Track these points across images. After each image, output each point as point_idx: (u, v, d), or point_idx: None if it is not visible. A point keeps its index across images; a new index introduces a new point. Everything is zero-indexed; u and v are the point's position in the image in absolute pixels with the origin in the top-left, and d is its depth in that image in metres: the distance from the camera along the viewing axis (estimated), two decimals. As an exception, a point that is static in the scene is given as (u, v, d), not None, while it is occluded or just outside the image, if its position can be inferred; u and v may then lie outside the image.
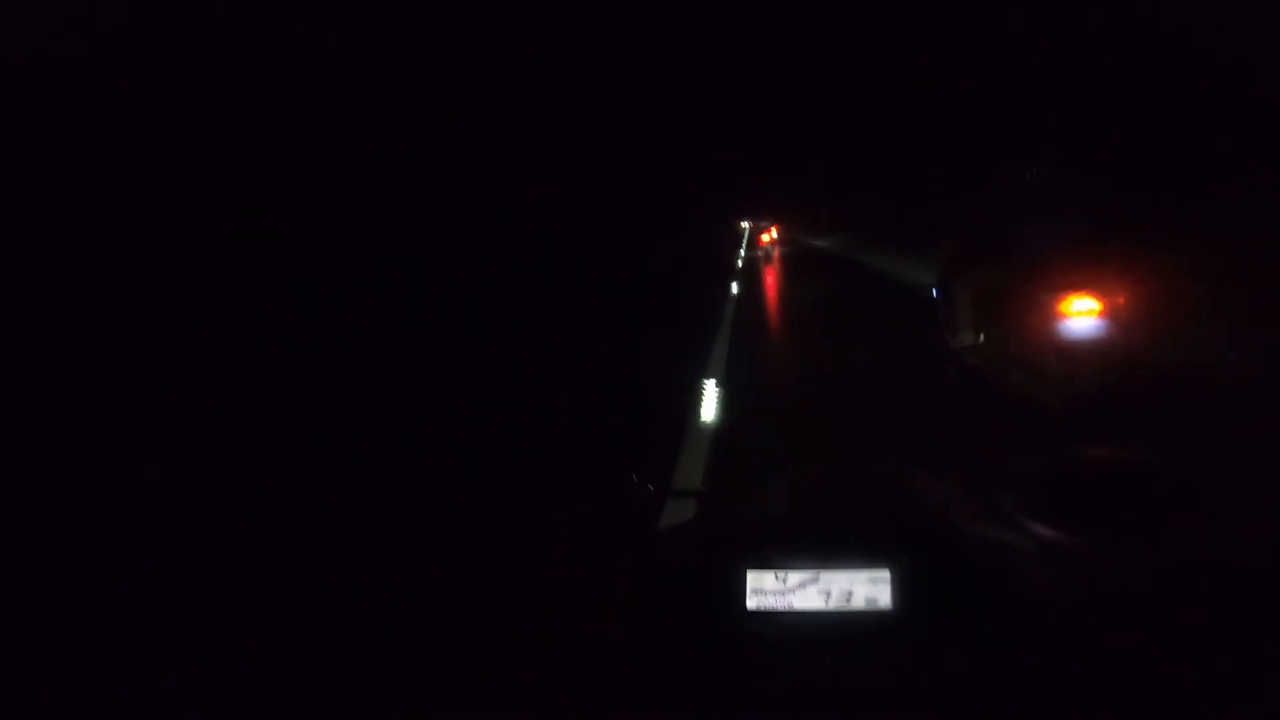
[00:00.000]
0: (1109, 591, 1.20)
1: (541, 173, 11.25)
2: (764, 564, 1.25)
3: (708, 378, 6.85)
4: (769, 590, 1.24)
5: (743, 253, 27.42)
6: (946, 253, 6.50)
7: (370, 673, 1.63)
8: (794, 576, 1.24)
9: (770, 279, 19.21)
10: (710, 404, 5.88)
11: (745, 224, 35.59)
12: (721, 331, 9.81)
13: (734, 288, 15.41)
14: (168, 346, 4.55)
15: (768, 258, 25.03)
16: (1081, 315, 4.52)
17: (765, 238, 27.78)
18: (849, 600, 1.22)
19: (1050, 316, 4.63)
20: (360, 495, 3.55)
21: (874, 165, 19.05)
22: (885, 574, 1.21)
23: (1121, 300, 4.54)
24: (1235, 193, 5.30)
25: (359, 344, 5.66)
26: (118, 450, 3.67)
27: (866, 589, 1.22)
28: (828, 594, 1.23)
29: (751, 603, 1.24)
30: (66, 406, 3.71)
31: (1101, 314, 4.50)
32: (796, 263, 22.82)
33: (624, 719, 1.22)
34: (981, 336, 5.31)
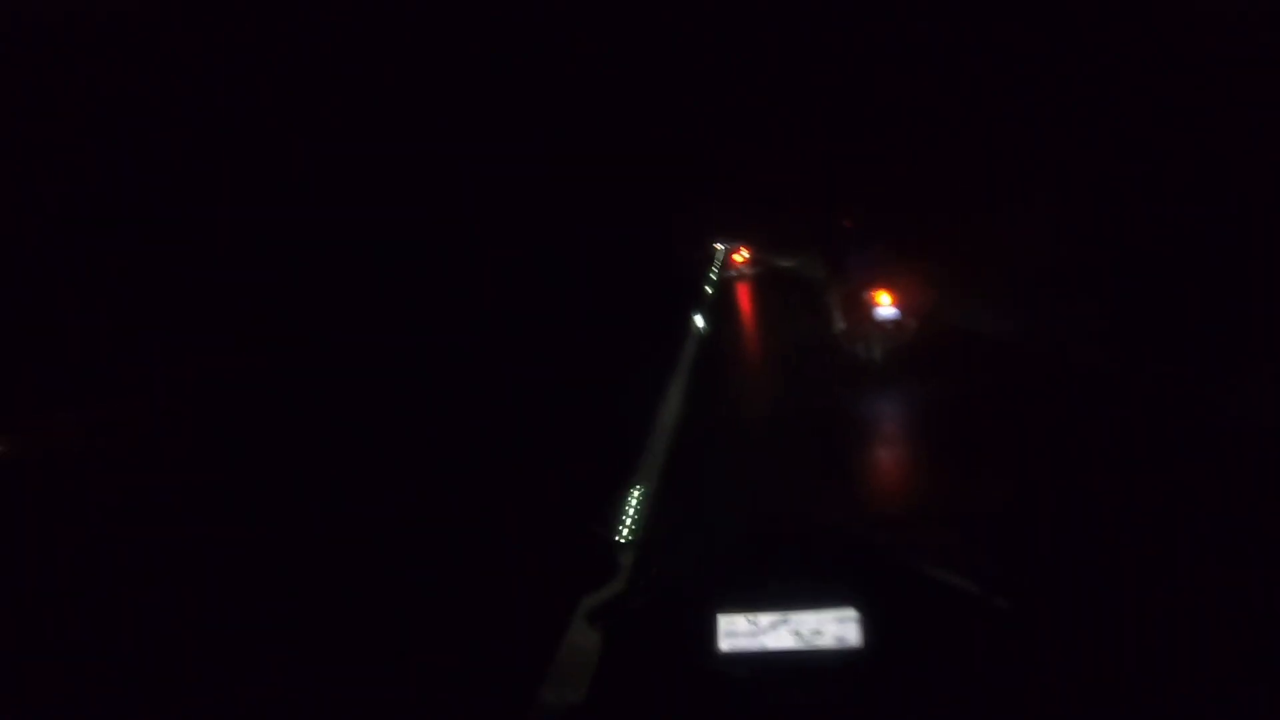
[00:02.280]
0: (1066, 624, 1.34)
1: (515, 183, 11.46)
2: (734, 608, 1.31)
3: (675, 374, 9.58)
4: (741, 633, 1.31)
5: (715, 273, 28.23)
6: (825, 270, 9.62)
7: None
8: (764, 618, 1.30)
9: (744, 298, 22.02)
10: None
11: (719, 245, 36.91)
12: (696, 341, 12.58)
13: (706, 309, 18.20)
14: (170, 346, 4.77)
15: (741, 276, 26.52)
16: (883, 306, 7.60)
17: (738, 258, 28.50)
18: (818, 638, 1.29)
19: (868, 308, 7.69)
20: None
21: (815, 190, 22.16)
22: (853, 613, 1.28)
23: (905, 293, 7.63)
24: (974, 227, 8.53)
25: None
26: (118, 450, 3.97)
27: (835, 628, 1.29)
28: (798, 633, 1.29)
29: (724, 645, 1.31)
30: (66, 405, 4.06)
31: (894, 303, 7.58)
32: (767, 281, 25.35)
33: None
34: (842, 325, 8.37)
